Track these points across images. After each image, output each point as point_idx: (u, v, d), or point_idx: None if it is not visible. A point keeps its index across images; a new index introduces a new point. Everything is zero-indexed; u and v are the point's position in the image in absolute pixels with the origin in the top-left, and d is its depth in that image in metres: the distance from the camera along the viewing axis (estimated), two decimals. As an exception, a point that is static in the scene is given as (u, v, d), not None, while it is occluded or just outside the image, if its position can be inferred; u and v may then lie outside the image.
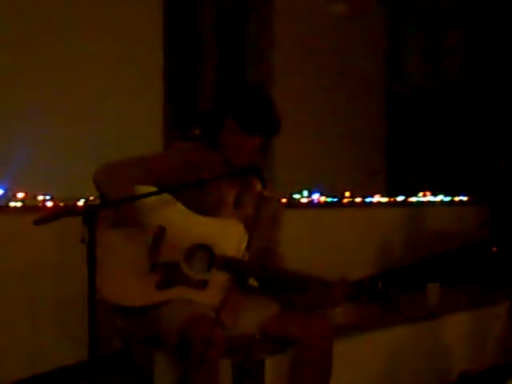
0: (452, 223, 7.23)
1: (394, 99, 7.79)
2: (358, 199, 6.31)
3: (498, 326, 4.76)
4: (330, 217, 5.91)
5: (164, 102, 5.37)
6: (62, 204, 3.91)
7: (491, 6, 8.02)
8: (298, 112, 6.07)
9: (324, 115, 6.65)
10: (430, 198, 7.44)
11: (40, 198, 3.92)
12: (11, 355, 3.62)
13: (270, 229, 3.01)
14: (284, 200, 5.27)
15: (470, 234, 7.33)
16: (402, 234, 6.67)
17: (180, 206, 2.85)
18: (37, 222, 2.29)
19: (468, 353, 4.55)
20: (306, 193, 5.85)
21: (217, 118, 2.92)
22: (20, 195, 3.85)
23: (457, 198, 7.70)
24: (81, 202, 3.93)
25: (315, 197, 5.89)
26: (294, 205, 5.64)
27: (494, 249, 6.75)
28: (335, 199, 6.08)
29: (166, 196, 2.81)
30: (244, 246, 2.83)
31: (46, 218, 2.29)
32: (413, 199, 7.17)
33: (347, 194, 6.23)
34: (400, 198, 6.95)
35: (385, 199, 6.70)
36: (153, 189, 2.78)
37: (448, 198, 7.60)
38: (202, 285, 2.81)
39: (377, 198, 6.60)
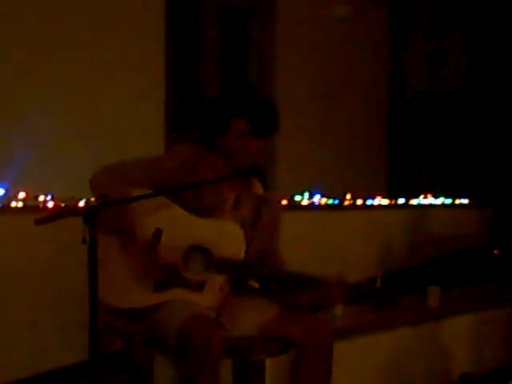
0: (453, 226, 7.23)
1: (396, 102, 7.79)
2: (359, 201, 6.31)
3: (499, 329, 4.75)
4: (330, 219, 5.91)
5: (166, 104, 5.37)
6: (62, 204, 3.91)
7: (494, 10, 8.03)
8: (300, 114, 6.08)
9: (326, 117, 6.66)
10: (431, 200, 7.45)
11: (41, 198, 3.92)
12: (11, 355, 3.62)
13: (270, 230, 3.00)
14: (285, 202, 5.27)
15: (470, 236, 7.34)
16: (402, 236, 6.67)
17: (177, 208, 2.84)
18: (38, 222, 2.28)
19: (468, 355, 4.55)
20: (307, 195, 5.85)
21: (223, 120, 2.88)
22: (21, 195, 3.85)
23: (458, 201, 7.70)
24: (82, 203, 3.93)
25: (316, 199, 5.89)
26: (295, 207, 5.64)
27: (495, 251, 6.76)
28: (336, 201, 6.08)
29: (163, 198, 2.80)
30: (242, 247, 2.82)
31: (47, 218, 2.28)
32: (414, 202, 7.17)
33: (348, 196, 6.23)
34: (401, 201, 6.96)
35: (386, 201, 6.71)
36: (150, 191, 2.76)
37: (449, 201, 7.61)
38: (200, 286, 2.81)
39: (378, 201, 6.60)
